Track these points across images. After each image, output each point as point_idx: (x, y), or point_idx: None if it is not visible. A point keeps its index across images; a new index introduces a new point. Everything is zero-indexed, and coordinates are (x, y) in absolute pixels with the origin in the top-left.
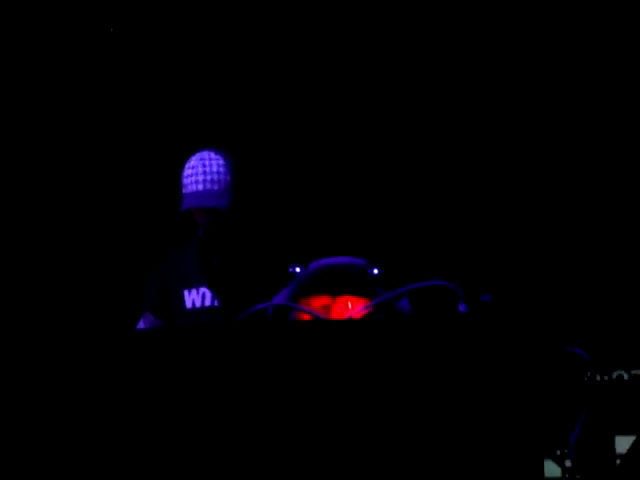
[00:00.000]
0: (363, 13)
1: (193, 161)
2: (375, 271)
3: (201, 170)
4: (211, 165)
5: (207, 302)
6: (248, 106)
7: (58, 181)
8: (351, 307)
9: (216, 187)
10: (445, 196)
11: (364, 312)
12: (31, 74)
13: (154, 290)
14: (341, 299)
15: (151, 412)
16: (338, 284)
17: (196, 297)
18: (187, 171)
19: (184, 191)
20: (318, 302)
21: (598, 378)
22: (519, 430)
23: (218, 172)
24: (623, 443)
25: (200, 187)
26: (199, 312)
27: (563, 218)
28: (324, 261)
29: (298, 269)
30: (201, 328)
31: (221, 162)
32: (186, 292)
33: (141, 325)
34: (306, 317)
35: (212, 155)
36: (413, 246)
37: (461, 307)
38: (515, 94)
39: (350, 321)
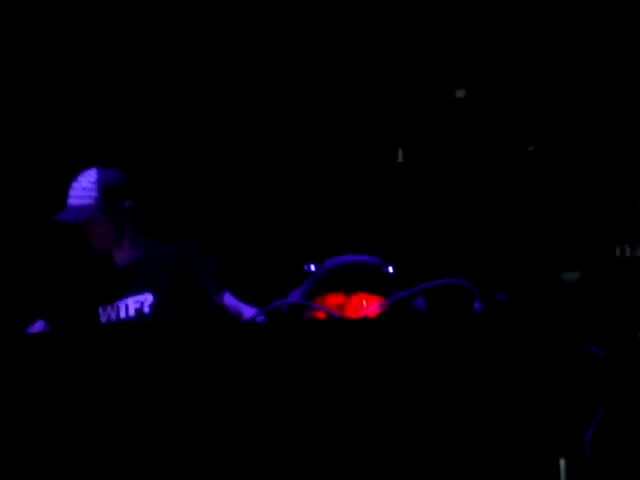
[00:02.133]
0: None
1: (81, 177)
2: (390, 269)
3: (93, 186)
4: (81, 181)
5: (122, 314)
6: (260, 100)
7: None
8: (366, 305)
9: (76, 202)
10: (460, 194)
11: (379, 311)
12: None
13: (52, 300)
14: (356, 297)
15: (162, 409)
16: (353, 282)
17: (111, 311)
18: (75, 184)
19: (74, 202)
20: (333, 300)
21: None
22: (535, 428)
23: (84, 188)
24: None
25: (66, 202)
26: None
27: (576, 216)
28: (339, 259)
29: (313, 267)
30: (217, 325)
31: (92, 179)
32: (101, 309)
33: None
34: (321, 315)
35: (86, 172)
36: (428, 244)
37: (476, 306)
38: (524, 89)
39: (365, 320)
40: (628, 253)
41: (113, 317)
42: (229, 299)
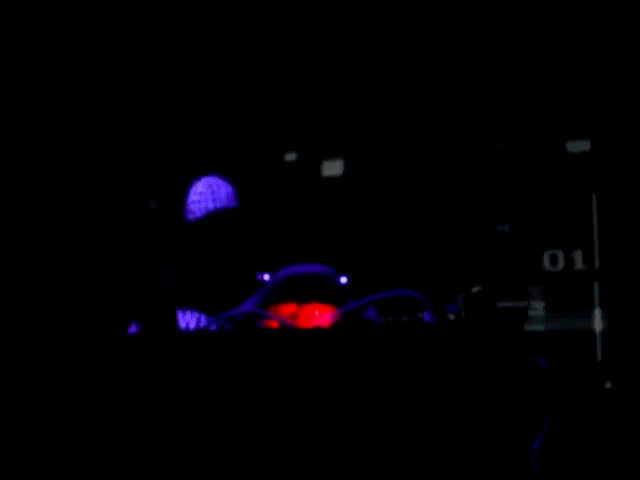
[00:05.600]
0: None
1: (201, 187)
2: (343, 279)
3: (210, 197)
4: (220, 192)
5: (202, 324)
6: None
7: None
8: (318, 315)
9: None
10: (413, 207)
11: (331, 320)
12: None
13: (147, 304)
14: (308, 307)
15: (129, 415)
16: (305, 292)
17: (190, 319)
18: (194, 196)
19: (191, 217)
20: (286, 309)
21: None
22: (483, 438)
23: (228, 199)
24: None
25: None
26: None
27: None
28: (292, 269)
29: (267, 277)
30: (169, 335)
31: (229, 189)
32: (180, 312)
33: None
34: (274, 324)
35: (220, 182)
36: (381, 255)
37: (427, 316)
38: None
39: (317, 329)
40: (578, 261)
41: (191, 325)
42: None
